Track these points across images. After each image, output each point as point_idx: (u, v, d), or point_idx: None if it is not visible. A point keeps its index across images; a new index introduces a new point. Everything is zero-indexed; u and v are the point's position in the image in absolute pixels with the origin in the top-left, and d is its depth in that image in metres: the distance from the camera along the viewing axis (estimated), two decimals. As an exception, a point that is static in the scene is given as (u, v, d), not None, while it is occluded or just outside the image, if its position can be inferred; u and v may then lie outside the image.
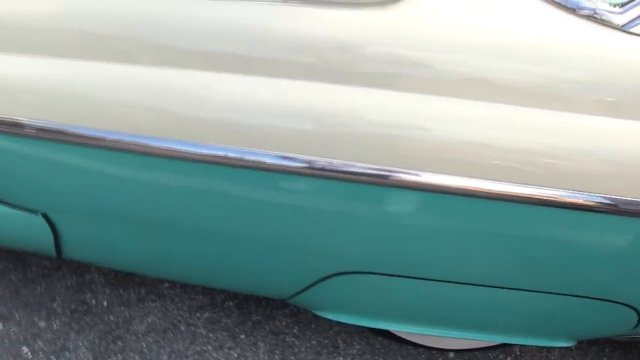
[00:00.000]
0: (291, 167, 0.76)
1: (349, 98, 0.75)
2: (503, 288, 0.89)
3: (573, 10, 0.78)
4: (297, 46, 0.75)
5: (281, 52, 0.76)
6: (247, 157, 0.76)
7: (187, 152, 0.76)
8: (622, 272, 0.87)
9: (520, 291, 0.89)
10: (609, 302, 0.91)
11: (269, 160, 0.76)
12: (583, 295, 0.90)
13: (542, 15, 0.78)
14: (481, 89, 0.76)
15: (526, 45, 0.76)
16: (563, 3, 0.78)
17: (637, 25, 0.77)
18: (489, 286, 0.88)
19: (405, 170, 0.76)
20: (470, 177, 0.76)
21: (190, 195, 0.82)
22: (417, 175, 0.76)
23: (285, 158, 0.76)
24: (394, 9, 0.76)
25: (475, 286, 0.88)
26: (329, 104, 0.75)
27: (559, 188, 0.76)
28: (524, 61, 0.76)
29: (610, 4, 0.77)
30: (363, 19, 0.76)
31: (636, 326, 0.96)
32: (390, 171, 0.76)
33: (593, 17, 0.77)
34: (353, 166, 0.76)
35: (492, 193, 0.77)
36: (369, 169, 0.75)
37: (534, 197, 0.77)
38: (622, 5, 0.77)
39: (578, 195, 0.77)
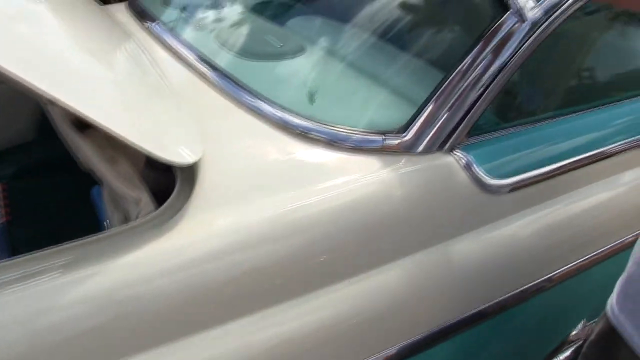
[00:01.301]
0: None
1: None
2: None
3: (366, 150, 0.78)
4: None
5: None
6: None
7: None
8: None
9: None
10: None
11: None
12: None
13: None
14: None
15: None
16: (353, 145, 0.78)
17: (422, 144, 0.79)
18: None
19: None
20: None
21: None
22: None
23: None
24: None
25: None
26: None
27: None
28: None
29: (393, 131, 0.79)
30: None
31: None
32: None
33: (383, 150, 0.78)
34: None
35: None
36: None
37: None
38: (404, 130, 0.79)
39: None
